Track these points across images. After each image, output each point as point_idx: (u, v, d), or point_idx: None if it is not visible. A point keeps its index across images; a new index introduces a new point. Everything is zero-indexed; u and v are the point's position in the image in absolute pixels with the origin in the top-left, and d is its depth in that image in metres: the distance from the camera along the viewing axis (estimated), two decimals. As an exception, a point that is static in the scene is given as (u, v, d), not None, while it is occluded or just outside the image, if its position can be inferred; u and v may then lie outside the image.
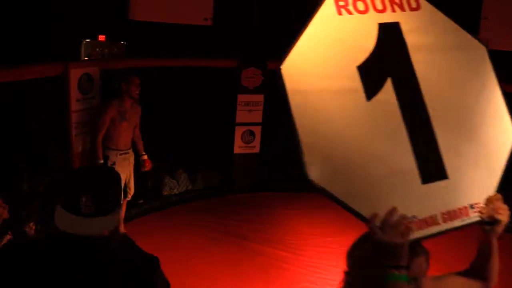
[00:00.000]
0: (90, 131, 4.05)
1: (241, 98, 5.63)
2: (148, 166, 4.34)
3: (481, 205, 1.40)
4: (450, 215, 1.37)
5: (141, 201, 5.20)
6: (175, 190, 5.67)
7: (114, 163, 4.01)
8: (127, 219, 4.60)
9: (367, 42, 1.39)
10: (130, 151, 4.16)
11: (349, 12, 1.38)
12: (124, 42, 5.98)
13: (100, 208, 1.34)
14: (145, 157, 4.32)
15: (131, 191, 4.35)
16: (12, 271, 1.34)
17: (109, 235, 1.40)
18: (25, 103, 6.05)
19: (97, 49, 4.78)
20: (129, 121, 4.02)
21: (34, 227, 4.01)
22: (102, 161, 3.93)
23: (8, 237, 3.70)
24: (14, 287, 1.34)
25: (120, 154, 4.03)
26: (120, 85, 3.95)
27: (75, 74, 3.92)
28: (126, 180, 4.20)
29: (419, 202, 1.35)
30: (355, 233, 5.17)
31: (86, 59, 4.53)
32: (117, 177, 1.49)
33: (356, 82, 1.35)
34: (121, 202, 1.48)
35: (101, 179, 1.41)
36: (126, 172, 4.15)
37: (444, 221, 1.36)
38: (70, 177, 1.43)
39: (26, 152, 5.50)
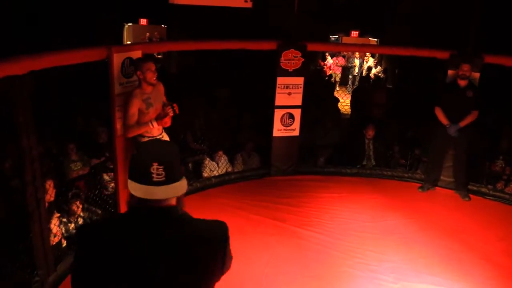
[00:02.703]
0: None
1: (281, 80, 5.58)
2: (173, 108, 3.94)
3: None
4: None
5: (182, 182, 5.32)
6: (215, 172, 5.77)
7: None
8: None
9: None
10: (164, 133, 4.14)
11: None
12: (165, 25, 6.02)
13: (169, 176, 1.43)
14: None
15: None
16: (99, 242, 1.43)
17: (176, 204, 1.50)
18: (72, 87, 6.28)
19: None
20: (154, 105, 3.96)
21: (80, 206, 4.20)
22: (153, 125, 3.87)
23: (56, 215, 3.90)
24: (102, 256, 1.42)
25: None
26: (136, 73, 3.88)
27: (118, 58, 3.98)
28: None
29: None
30: (395, 219, 5.11)
31: (128, 43, 4.59)
32: (177, 148, 1.57)
33: None
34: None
35: (166, 150, 1.49)
36: None
37: None
38: (138, 151, 1.51)
39: (74, 133, 5.75)
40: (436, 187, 5.69)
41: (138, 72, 3.85)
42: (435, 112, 5.38)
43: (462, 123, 5.17)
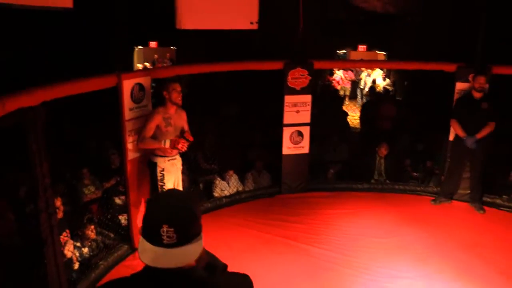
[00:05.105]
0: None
1: (288, 99, 5.63)
2: (187, 139, 4.10)
3: None
4: None
5: (193, 202, 5.36)
6: (225, 192, 5.80)
7: (163, 170, 4.14)
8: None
9: None
10: (178, 156, 4.27)
11: None
12: (174, 47, 6.12)
13: (182, 239, 1.30)
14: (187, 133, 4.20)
15: None
16: None
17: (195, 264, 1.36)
18: (83, 114, 6.41)
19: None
20: (174, 126, 4.13)
21: (94, 230, 4.25)
22: (165, 144, 4.00)
23: (65, 235, 3.94)
24: None
25: (168, 160, 4.16)
26: (162, 92, 4.09)
27: (127, 85, 4.08)
28: (174, 185, 4.33)
29: None
30: (408, 234, 5.06)
31: (137, 69, 4.71)
32: (196, 201, 1.44)
33: None
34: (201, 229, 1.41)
35: (180, 209, 1.34)
36: (174, 177, 4.28)
37: None
38: (149, 207, 1.38)
39: (88, 158, 5.86)
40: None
41: (164, 92, 4.10)
42: (451, 124, 5.35)
43: (479, 135, 5.10)
